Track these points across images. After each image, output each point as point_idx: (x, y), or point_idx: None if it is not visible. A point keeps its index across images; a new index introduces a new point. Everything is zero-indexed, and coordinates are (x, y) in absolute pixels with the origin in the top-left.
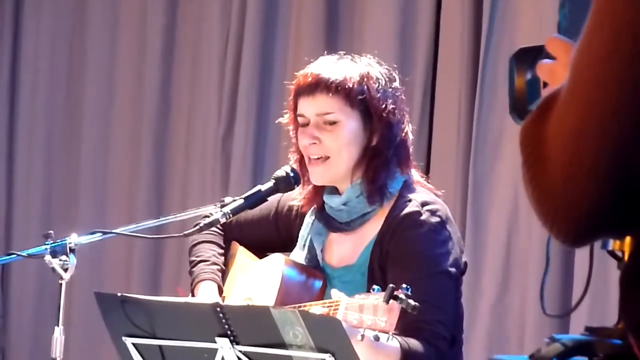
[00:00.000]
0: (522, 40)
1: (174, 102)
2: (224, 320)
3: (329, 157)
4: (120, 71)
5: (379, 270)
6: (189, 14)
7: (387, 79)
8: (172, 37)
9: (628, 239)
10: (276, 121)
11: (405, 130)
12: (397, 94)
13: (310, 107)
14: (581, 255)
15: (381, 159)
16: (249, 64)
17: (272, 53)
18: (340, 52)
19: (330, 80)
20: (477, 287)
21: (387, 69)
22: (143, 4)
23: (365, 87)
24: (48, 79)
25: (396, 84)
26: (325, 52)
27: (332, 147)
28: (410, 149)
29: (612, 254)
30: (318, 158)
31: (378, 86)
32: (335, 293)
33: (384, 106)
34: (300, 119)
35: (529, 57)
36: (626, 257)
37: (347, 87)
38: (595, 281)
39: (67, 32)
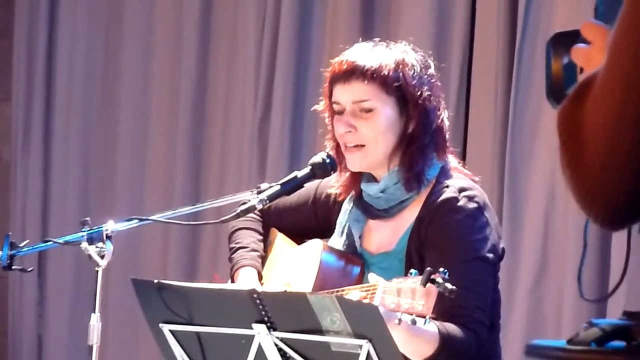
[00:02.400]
0: (559, 25)
1: (210, 89)
2: (260, 307)
3: (364, 145)
4: (156, 60)
5: (417, 256)
6: (225, 1)
7: (422, 66)
8: (207, 24)
9: None
10: (312, 109)
11: (441, 117)
12: (432, 80)
13: (345, 94)
14: (618, 240)
15: (418, 145)
16: (285, 50)
17: (308, 39)
18: (375, 38)
19: (366, 68)
20: (514, 272)
21: (422, 55)
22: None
23: (401, 73)
24: (84, 68)
25: (432, 70)
26: (361, 38)
27: (368, 135)
28: (447, 135)
29: None
30: (355, 146)
31: (414, 73)
32: (372, 277)
33: (419, 93)
34: (335, 107)
35: (565, 41)
36: None
37: (382, 74)
38: (633, 266)
39: (104, 16)
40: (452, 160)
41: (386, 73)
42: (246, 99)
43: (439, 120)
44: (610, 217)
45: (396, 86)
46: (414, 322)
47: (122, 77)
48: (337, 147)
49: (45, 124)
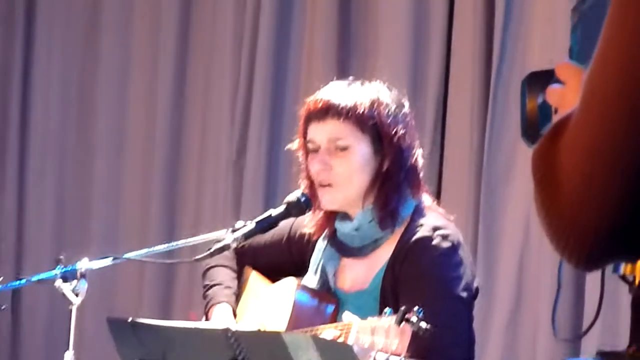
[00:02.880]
0: (534, 64)
1: (186, 127)
2: (235, 345)
3: (338, 184)
4: (132, 95)
5: (392, 295)
6: (201, 36)
7: (397, 104)
8: (183, 61)
9: (639, 263)
10: (286, 147)
11: (415, 155)
12: (407, 119)
13: (321, 132)
14: (592, 279)
15: (392, 183)
16: (261, 88)
17: (284, 76)
18: (350, 76)
19: (341, 106)
20: (488, 311)
21: (396, 93)
22: (155, 26)
23: (376, 112)
24: (60, 101)
25: (406, 109)
26: (337, 75)
27: (343, 174)
28: (421, 174)
29: (623, 278)
30: (329, 184)
31: (388, 111)
32: (347, 316)
33: (394, 131)
34: (310, 145)
35: (540, 80)
36: (637, 281)
37: (357, 112)
38: (607, 305)
39: (79, 47)
40: (427, 199)
41: (361, 111)
42: (222, 136)
43: (414, 159)
44: (584, 258)
45: (371, 124)
46: None
47: (97, 113)
48: (312, 185)
49: (19, 160)
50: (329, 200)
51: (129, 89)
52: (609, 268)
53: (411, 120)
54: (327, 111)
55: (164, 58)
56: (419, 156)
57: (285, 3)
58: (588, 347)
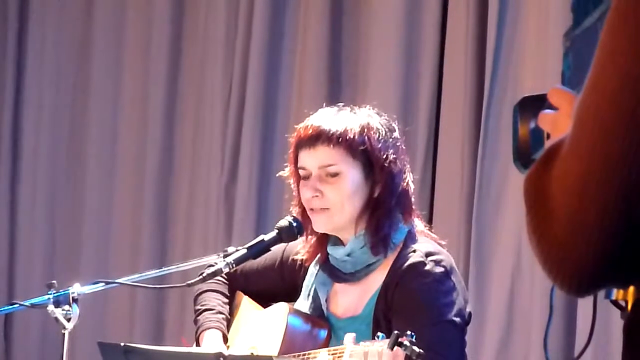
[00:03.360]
0: (526, 89)
1: (177, 152)
2: None
3: (329, 209)
4: (123, 120)
5: (384, 320)
6: (192, 61)
7: (387, 129)
8: (174, 85)
9: (631, 289)
10: (277, 174)
11: (406, 180)
12: (397, 144)
13: (311, 159)
14: (584, 304)
15: (384, 209)
16: (252, 113)
17: (274, 103)
18: (340, 103)
19: (332, 132)
20: (480, 337)
21: (386, 119)
22: (145, 53)
23: (366, 137)
24: (50, 126)
25: (396, 133)
26: (327, 101)
27: (334, 200)
28: (412, 199)
29: (615, 303)
30: (321, 209)
31: (379, 136)
32: (348, 337)
33: (385, 156)
34: (301, 172)
35: (532, 105)
36: (629, 307)
37: (348, 138)
38: (599, 330)
39: (70, 77)
40: (419, 224)
41: (352, 137)
42: (212, 162)
43: (405, 184)
44: (576, 285)
45: (362, 150)
46: None
47: (88, 137)
48: (303, 212)
49: (11, 185)
50: (320, 223)
51: (121, 111)
52: (601, 293)
53: (402, 144)
54: (318, 138)
55: (154, 80)
56: (410, 181)
57: (276, 26)
58: None
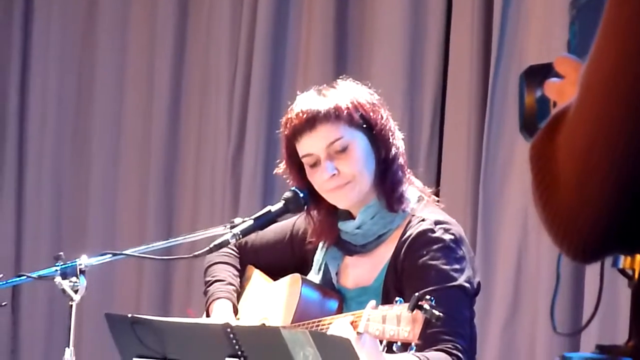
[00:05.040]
0: (532, 59)
1: (183, 124)
2: (234, 341)
3: (350, 182)
4: (128, 95)
5: (394, 291)
6: (198, 36)
7: (370, 94)
8: (180, 58)
9: (638, 257)
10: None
11: (399, 137)
12: (382, 105)
13: (315, 141)
14: (591, 273)
15: (395, 167)
16: (258, 85)
17: (281, 74)
18: (320, 86)
19: (325, 109)
20: (487, 307)
21: (363, 85)
22: (152, 27)
23: (358, 105)
24: (56, 106)
25: (377, 96)
26: (334, 76)
27: (352, 172)
28: (405, 156)
29: (622, 272)
30: (346, 183)
31: (368, 101)
32: (370, 303)
33: (380, 117)
34: (307, 160)
35: (538, 74)
36: (637, 275)
37: (343, 110)
38: (606, 299)
39: (76, 53)
40: (424, 190)
41: (346, 108)
42: (219, 134)
43: (400, 140)
44: (582, 251)
45: (359, 118)
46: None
47: (94, 112)
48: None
49: (17, 158)
50: (347, 197)
51: (126, 87)
52: (608, 262)
53: (384, 104)
54: (315, 119)
55: (159, 56)
56: (401, 137)
57: (281, 15)
58: (587, 342)
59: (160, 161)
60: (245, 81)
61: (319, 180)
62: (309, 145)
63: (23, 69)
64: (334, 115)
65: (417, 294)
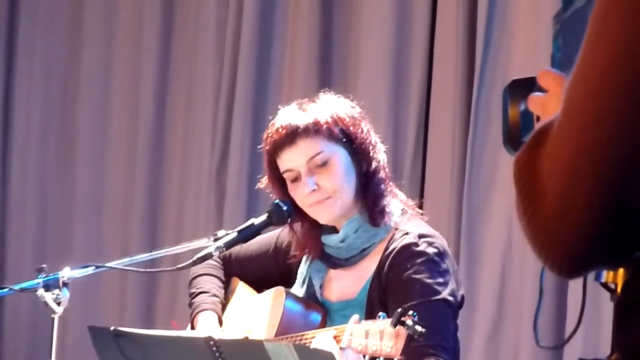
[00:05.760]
0: (516, 72)
1: (168, 136)
2: (217, 354)
3: (333, 196)
4: (114, 104)
5: (379, 304)
6: (184, 47)
7: (351, 107)
8: (166, 69)
9: (621, 271)
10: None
11: (381, 150)
12: (363, 117)
13: (296, 156)
14: (575, 287)
15: (376, 180)
16: (242, 99)
17: (265, 85)
18: (302, 99)
19: (305, 124)
20: (471, 319)
21: (344, 98)
22: (137, 37)
23: (338, 119)
24: (42, 110)
25: (358, 108)
26: (318, 89)
27: (332, 186)
28: (387, 169)
29: (605, 285)
30: (326, 198)
31: (348, 115)
32: (352, 318)
33: (360, 131)
34: (288, 175)
35: (522, 88)
36: (619, 289)
37: (322, 124)
38: (589, 313)
39: (61, 63)
40: (401, 195)
41: (325, 122)
42: (203, 146)
43: (381, 153)
44: (567, 266)
45: (339, 131)
46: None
47: (79, 120)
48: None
49: (1, 170)
50: (327, 212)
51: (111, 97)
52: (591, 276)
53: (366, 117)
54: (294, 134)
55: (145, 67)
56: (383, 150)
57: (266, 16)
58: (570, 355)
59: (144, 173)
60: (229, 94)
61: (300, 195)
62: (290, 160)
63: (7, 79)
64: (314, 130)
65: (399, 309)
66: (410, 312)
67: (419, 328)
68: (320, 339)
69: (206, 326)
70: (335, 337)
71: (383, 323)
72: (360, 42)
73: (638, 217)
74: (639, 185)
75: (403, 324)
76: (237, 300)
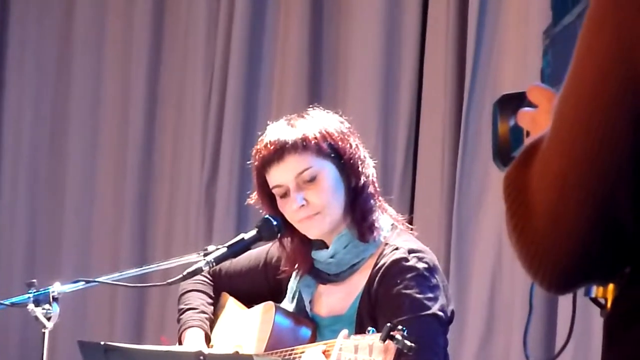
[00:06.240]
0: (506, 87)
1: (157, 151)
2: None
3: (321, 212)
4: (103, 120)
5: (368, 319)
6: (173, 62)
7: (340, 122)
8: (155, 85)
9: (611, 286)
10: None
11: (370, 164)
12: (352, 132)
13: (284, 172)
14: (564, 302)
15: (365, 195)
16: (232, 113)
17: (255, 101)
18: (318, 105)
19: (293, 140)
20: (460, 334)
21: (333, 113)
22: (127, 52)
23: (327, 134)
24: (31, 127)
25: (347, 123)
26: (308, 102)
27: (320, 202)
28: (376, 184)
29: (594, 301)
30: (315, 213)
31: (337, 130)
32: (342, 333)
33: (349, 146)
34: (277, 190)
35: (512, 103)
36: (609, 304)
37: (311, 139)
38: (578, 328)
39: (51, 78)
40: (397, 218)
41: (314, 137)
42: (193, 161)
43: (370, 168)
44: (557, 282)
45: (327, 147)
46: None
47: (69, 136)
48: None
49: None
50: (316, 228)
51: (102, 110)
52: (581, 291)
53: (355, 132)
54: (282, 150)
55: (134, 80)
56: (372, 165)
57: (257, 26)
58: None
59: (134, 188)
60: (219, 110)
61: (289, 210)
62: (278, 176)
63: None
64: (302, 146)
65: (389, 324)
66: (400, 327)
67: (408, 342)
68: (310, 354)
69: (192, 344)
70: (324, 352)
71: (372, 338)
72: (349, 57)
73: (628, 230)
74: (629, 197)
75: (392, 338)
76: (227, 316)
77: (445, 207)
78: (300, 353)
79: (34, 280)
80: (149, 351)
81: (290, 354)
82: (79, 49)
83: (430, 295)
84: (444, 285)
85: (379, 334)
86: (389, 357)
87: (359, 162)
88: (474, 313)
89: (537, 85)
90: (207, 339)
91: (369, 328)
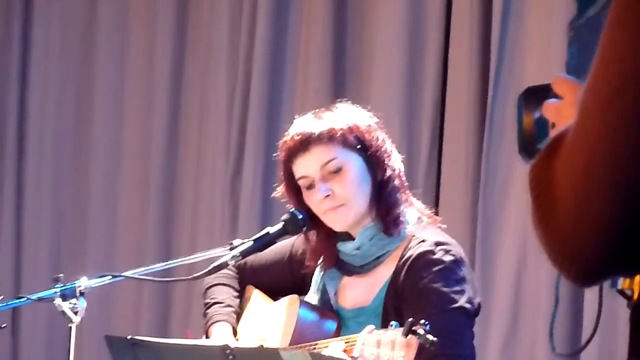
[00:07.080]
0: (531, 79)
1: (182, 146)
2: None
3: (346, 203)
4: (127, 114)
5: (394, 311)
6: (197, 54)
7: (365, 115)
8: (179, 79)
9: (638, 278)
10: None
11: (397, 159)
12: (378, 126)
13: (310, 162)
14: (590, 293)
15: (390, 189)
16: (256, 109)
17: (279, 94)
18: (344, 98)
19: (320, 131)
20: (486, 328)
21: (359, 107)
22: (151, 43)
23: (353, 126)
24: (56, 121)
25: (374, 118)
26: (332, 96)
27: (346, 193)
28: (404, 177)
29: (621, 292)
30: (339, 205)
31: (363, 123)
32: (366, 328)
33: (375, 139)
34: (303, 182)
35: (537, 95)
36: (635, 296)
37: (338, 131)
38: (605, 320)
39: (74, 73)
40: (418, 204)
41: (341, 129)
42: (218, 155)
43: (397, 162)
44: (582, 275)
45: (354, 139)
46: None
47: (93, 132)
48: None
49: (17, 181)
50: (340, 220)
51: (125, 106)
52: (607, 282)
53: (381, 126)
54: (309, 141)
55: (158, 75)
56: (399, 159)
57: (280, 21)
58: None
59: (159, 184)
60: (243, 104)
61: (314, 201)
62: (304, 167)
63: (22, 89)
64: (328, 137)
65: (410, 319)
66: (422, 321)
67: (430, 337)
68: (332, 348)
69: (220, 338)
70: (346, 347)
71: (395, 332)
72: (373, 53)
73: None
74: None
75: (414, 333)
76: (252, 309)
77: (471, 200)
78: (324, 347)
79: (61, 275)
80: (175, 345)
81: (314, 348)
82: (102, 46)
83: (457, 288)
84: (471, 278)
85: (402, 329)
86: (411, 352)
87: (385, 156)
88: (500, 306)
89: (562, 77)
90: (234, 333)
91: (392, 322)
